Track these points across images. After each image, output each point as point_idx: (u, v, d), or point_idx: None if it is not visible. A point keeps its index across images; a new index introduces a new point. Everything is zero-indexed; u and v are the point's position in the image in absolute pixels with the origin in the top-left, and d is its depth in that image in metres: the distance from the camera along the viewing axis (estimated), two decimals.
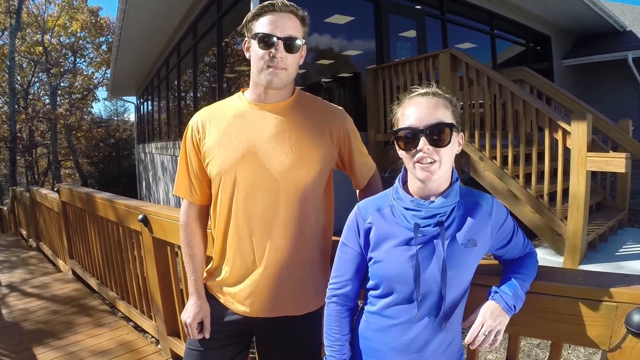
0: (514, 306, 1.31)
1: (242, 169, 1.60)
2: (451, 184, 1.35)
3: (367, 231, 1.40)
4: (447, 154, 1.29)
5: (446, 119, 1.29)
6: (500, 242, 1.40)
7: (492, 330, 1.28)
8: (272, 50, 1.55)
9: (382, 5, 8.37)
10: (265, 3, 1.57)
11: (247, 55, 1.66)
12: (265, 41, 1.55)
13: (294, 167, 1.60)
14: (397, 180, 1.41)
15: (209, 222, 1.84)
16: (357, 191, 1.88)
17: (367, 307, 1.43)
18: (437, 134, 1.27)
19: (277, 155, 1.60)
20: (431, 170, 1.27)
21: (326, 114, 1.73)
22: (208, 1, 8.79)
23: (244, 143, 1.61)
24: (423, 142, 1.26)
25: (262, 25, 1.56)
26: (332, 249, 1.72)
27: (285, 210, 1.61)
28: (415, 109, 1.30)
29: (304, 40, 1.63)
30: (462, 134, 1.37)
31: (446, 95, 1.35)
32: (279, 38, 1.54)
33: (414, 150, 1.28)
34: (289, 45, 1.56)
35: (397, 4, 8.75)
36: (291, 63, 1.60)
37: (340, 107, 1.79)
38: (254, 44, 1.59)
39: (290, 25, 1.57)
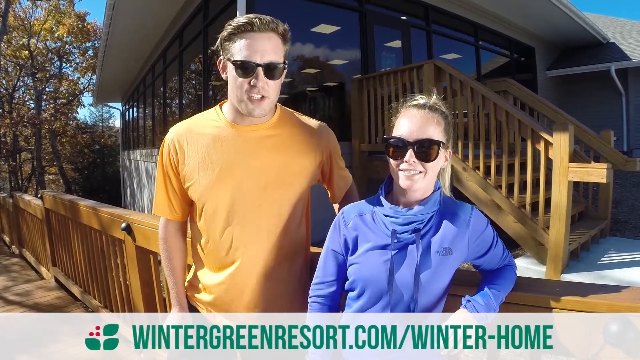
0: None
1: (224, 192, 1.58)
2: (432, 193, 1.39)
3: (348, 235, 1.44)
4: (432, 167, 1.35)
5: (435, 136, 1.33)
6: (478, 252, 1.42)
7: None
8: (252, 78, 1.46)
9: (368, 15, 8.40)
10: (242, 21, 1.44)
11: (223, 76, 1.57)
12: (245, 68, 1.45)
13: (275, 188, 1.59)
14: (380, 189, 1.45)
15: (189, 232, 1.84)
16: (335, 206, 1.87)
17: (345, 311, 1.46)
18: (424, 150, 1.32)
19: (258, 177, 1.58)
20: (414, 180, 1.33)
21: (309, 132, 1.70)
22: (194, 9, 8.79)
23: (225, 167, 1.57)
24: (410, 154, 1.31)
25: (239, 49, 1.45)
26: (311, 261, 1.76)
27: (267, 230, 1.61)
28: (408, 121, 1.35)
29: (285, 64, 1.52)
30: (450, 150, 1.41)
31: (443, 110, 1.39)
32: (258, 65, 1.44)
33: (400, 159, 1.33)
34: (271, 72, 1.47)
35: (383, 14, 8.79)
36: (273, 90, 1.51)
37: (323, 123, 1.75)
38: (232, 69, 1.49)
39: (270, 49, 1.46)
